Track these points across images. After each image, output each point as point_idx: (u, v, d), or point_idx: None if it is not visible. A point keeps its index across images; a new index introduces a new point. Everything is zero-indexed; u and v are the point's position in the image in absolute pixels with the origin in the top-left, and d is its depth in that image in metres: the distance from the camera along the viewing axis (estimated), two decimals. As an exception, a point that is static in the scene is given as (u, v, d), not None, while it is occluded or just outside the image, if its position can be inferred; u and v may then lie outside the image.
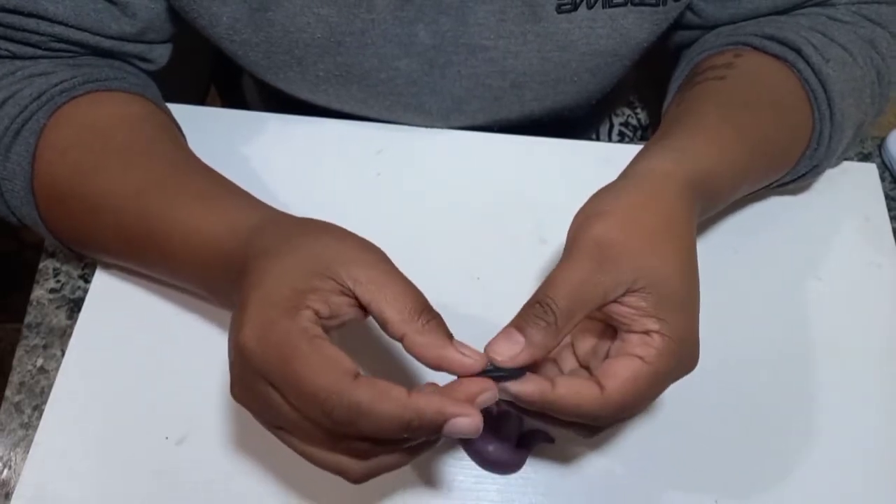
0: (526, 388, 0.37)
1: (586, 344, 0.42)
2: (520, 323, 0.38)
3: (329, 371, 0.34)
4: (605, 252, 0.38)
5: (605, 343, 0.41)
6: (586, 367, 0.42)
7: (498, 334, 0.38)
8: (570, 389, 0.37)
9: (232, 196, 0.47)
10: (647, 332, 0.38)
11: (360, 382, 0.34)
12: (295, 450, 0.37)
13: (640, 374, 0.37)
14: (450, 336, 0.37)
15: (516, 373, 0.37)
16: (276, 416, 0.36)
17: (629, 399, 0.37)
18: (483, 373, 0.37)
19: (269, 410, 0.36)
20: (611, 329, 0.41)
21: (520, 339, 0.37)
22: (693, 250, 0.40)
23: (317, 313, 0.36)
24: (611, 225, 0.39)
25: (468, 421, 0.35)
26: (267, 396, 0.36)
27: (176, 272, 0.48)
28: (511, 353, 0.37)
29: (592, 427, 0.40)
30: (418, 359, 0.37)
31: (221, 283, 0.43)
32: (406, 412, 0.34)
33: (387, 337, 0.38)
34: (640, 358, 0.37)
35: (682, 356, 0.38)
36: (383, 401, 0.34)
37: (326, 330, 0.37)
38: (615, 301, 0.38)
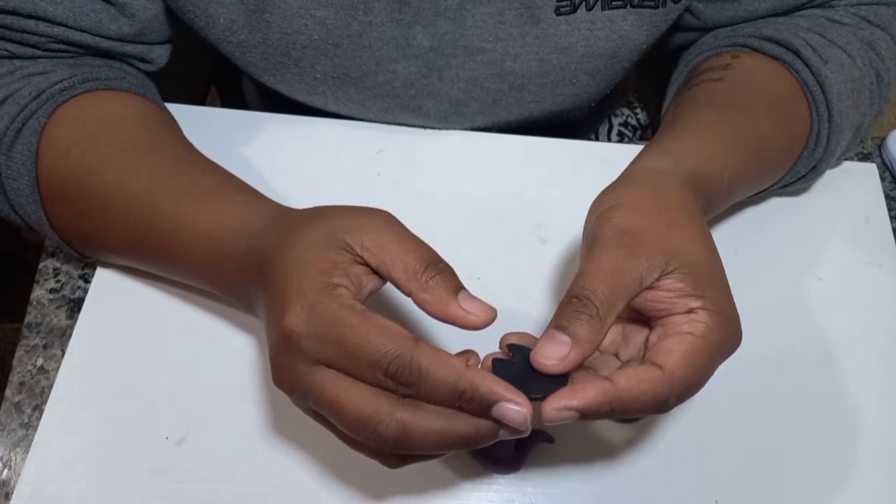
0: (588, 395, 0.34)
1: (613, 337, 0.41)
2: (560, 322, 0.36)
3: (390, 337, 0.34)
4: (633, 238, 0.38)
5: (635, 332, 0.40)
6: (615, 355, 0.41)
7: (540, 339, 0.36)
8: (631, 379, 0.35)
9: (240, 193, 0.47)
10: (690, 311, 0.37)
11: (422, 345, 0.35)
12: (336, 434, 0.37)
13: (696, 348, 0.36)
14: (457, 289, 0.37)
15: (558, 382, 0.35)
16: (319, 401, 0.36)
17: (690, 374, 0.35)
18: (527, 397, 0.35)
19: (314, 394, 0.36)
20: (636, 323, 0.40)
21: (565, 338, 0.35)
22: (708, 230, 0.40)
23: (347, 289, 0.36)
24: (631, 214, 0.39)
25: (518, 410, 0.34)
26: (313, 379, 0.35)
27: (186, 271, 0.48)
28: (559, 354, 0.35)
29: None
30: (428, 314, 0.37)
31: (234, 281, 0.44)
32: (461, 381, 0.34)
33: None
34: (691, 333, 0.36)
35: (727, 329, 0.37)
36: (441, 365, 0.34)
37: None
38: (650, 287, 0.37)
